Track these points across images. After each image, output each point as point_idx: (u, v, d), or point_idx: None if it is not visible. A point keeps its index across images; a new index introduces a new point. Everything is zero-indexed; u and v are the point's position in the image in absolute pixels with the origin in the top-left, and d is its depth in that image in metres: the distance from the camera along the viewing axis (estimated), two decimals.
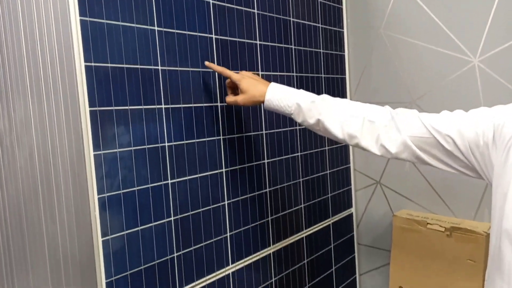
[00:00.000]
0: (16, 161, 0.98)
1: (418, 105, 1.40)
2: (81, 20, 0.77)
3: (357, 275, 1.63)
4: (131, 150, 0.86)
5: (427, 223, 1.34)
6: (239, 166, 1.11)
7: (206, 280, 1.01)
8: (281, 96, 0.93)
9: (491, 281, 0.72)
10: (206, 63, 0.99)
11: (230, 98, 0.99)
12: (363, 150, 0.89)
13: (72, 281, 0.86)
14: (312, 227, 1.38)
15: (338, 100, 0.93)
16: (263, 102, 0.94)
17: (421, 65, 1.39)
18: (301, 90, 0.95)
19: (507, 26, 1.21)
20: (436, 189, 1.41)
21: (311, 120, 0.91)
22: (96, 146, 0.79)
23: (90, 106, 0.78)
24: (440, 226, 1.32)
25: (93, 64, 0.79)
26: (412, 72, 1.41)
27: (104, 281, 0.81)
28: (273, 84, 0.95)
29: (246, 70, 1.11)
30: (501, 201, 0.68)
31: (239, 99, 0.96)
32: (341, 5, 1.51)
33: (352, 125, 0.88)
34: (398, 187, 1.51)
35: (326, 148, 1.45)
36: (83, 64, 0.77)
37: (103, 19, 0.80)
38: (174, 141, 0.94)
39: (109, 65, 0.81)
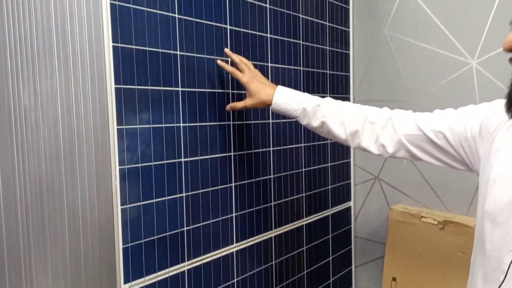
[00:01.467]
0: (40, 135, 1.05)
1: (418, 104, 1.47)
2: (111, 4, 0.83)
3: (353, 266, 1.69)
4: (150, 127, 0.92)
5: (422, 217, 1.41)
6: (247, 152, 1.17)
7: (212, 256, 1.07)
8: (287, 100, 0.99)
9: (474, 260, 0.78)
10: (219, 61, 1.05)
11: (238, 104, 1.05)
12: (363, 150, 0.97)
13: (90, 245, 0.92)
14: (312, 216, 1.44)
15: (340, 103, 1.00)
16: (270, 104, 1.01)
17: (421, 66, 1.46)
18: (306, 94, 1.01)
19: (505, 29, 1.28)
20: (431, 185, 1.48)
21: (316, 123, 0.98)
22: (119, 121, 0.86)
23: (115, 84, 0.85)
24: (434, 219, 1.38)
25: (119, 45, 0.85)
26: (412, 72, 1.49)
27: (121, 247, 0.87)
28: (279, 87, 1.01)
29: (257, 61, 1.18)
30: (484, 186, 0.75)
31: (248, 102, 1.02)
32: (348, 5, 1.58)
33: (354, 126, 0.95)
34: (396, 183, 1.57)
35: (328, 141, 1.51)
36: (111, 44, 0.84)
37: (130, 3, 0.87)
38: (188, 123, 1.00)
39: (133, 47, 0.88)
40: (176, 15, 0.96)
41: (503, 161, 0.72)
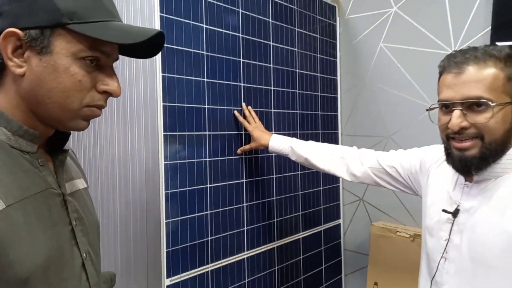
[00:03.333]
0: (98, 168, 1.38)
1: (392, 138, 1.81)
2: (162, 76, 1.18)
3: (342, 275, 1.99)
4: (186, 162, 1.25)
5: (397, 231, 1.72)
6: (255, 178, 1.50)
7: (228, 260, 1.39)
8: (279, 144, 1.38)
9: (421, 261, 1.09)
10: (235, 113, 1.41)
11: (246, 147, 1.42)
12: (338, 177, 1.32)
13: (139, 251, 1.24)
14: (307, 231, 1.76)
15: (319, 144, 1.38)
16: (267, 147, 1.39)
17: (395, 108, 1.80)
18: (293, 138, 1.39)
19: None
20: (405, 206, 1.80)
21: (301, 159, 1.36)
22: (165, 158, 1.19)
23: (163, 131, 1.19)
24: (406, 233, 1.70)
25: (167, 104, 1.19)
26: (388, 113, 1.83)
27: (164, 250, 1.19)
28: (273, 135, 1.40)
29: (263, 108, 1.52)
30: (424, 208, 1.08)
31: (252, 146, 1.41)
32: (336, 59, 1.94)
33: (330, 160, 1.32)
34: (377, 203, 1.90)
35: (327, 173, 1.84)
36: (161, 103, 1.18)
37: (175, 74, 1.22)
38: (213, 157, 1.34)
39: (176, 104, 1.22)
40: (205, 79, 1.31)
41: (434, 191, 1.05)
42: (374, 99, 1.87)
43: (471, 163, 0.88)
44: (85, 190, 0.77)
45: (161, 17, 1.16)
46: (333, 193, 1.93)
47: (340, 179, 1.97)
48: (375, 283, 1.78)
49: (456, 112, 0.87)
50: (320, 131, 1.84)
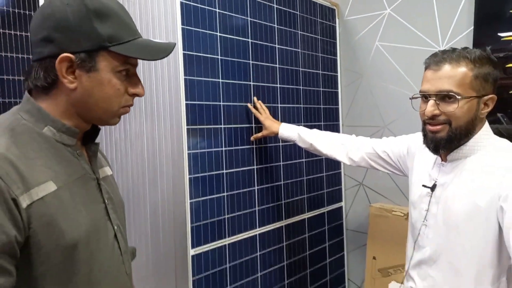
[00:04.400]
0: (128, 157, 1.60)
1: (388, 128, 2.01)
2: (184, 78, 1.39)
3: (345, 252, 2.20)
4: (205, 151, 1.47)
5: (392, 211, 1.93)
6: (265, 165, 1.71)
7: (243, 236, 1.61)
8: (288, 131, 1.59)
9: (408, 229, 1.30)
10: (249, 105, 1.62)
11: (258, 135, 1.63)
12: (337, 161, 1.52)
13: (167, 227, 1.46)
14: (311, 212, 1.97)
15: (323, 132, 1.59)
16: (277, 134, 1.59)
17: (390, 101, 1.99)
18: (300, 127, 1.60)
19: None
20: (400, 188, 2.00)
21: (307, 145, 1.57)
22: (188, 148, 1.41)
23: (186, 125, 1.40)
24: (401, 212, 1.90)
25: (189, 102, 1.41)
26: (384, 105, 2.02)
27: (189, 226, 1.41)
28: (283, 124, 1.61)
29: (271, 103, 1.72)
30: (410, 186, 1.28)
31: (264, 133, 1.62)
32: (336, 57, 2.14)
33: (332, 146, 1.53)
34: (375, 187, 2.10)
35: (323, 157, 2.04)
36: (184, 101, 1.39)
37: (194, 76, 1.43)
38: (228, 147, 1.55)
39: (196, 102, 1.44)
40: (220, 80, 1.52)
41: (417, 171, 1.25)
42: (371, 93, 2.07)
43: (440, 143, 1.08)
44: (112, 176, 0.94)
45: (182, 29, 1.37)
46: (335, 178, 2.14)
47: (342, 166, 2.17)
48: (374, 257, 1.99)
49: (431, 102, 1.07)
50: (322, 123, 2.04)
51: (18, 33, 1.58)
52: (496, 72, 1.08)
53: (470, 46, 1.71)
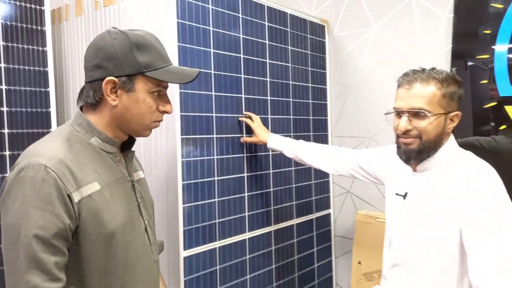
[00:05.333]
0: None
1: (374, 139, 2.11)
2: (179, 92, 1.50)
3: (333, 257, 2.30)
4: (197, 159, 1.57)
5: (376, 218, 2.02)
6: (255, 173, 1.81)
7: (233, 239, 1.70)
8: (276, 141, 1.70)
9: (384, 243, 1.39)
10: (241, 118, 1.73)
11: (248, 139, 1.73)
12: (321, 170, 1.63)
13: (160, 229, 1.56)
14: (300, 218, 2.06)
15: (308, 143, 1.70)
16: (266, 144, 1.70)
17: (376, 113, 2.10)
18: (288, 138, 1.71)
19: None
20: (385, 196, 2.09)
21: (293, 155, 1.68)
22: (182, 156, 1.51)
23: (181, 135, 1.51)
24: (384, 219, 1.99)
25: (184, 113, 1.52)
26: (370, 117, 2.13)
27: (182, 228, 1.51)
28: (271, 134, 1.72)
29: (261, 114, 1.83)
30: (386, 194, 1.38)
31: (254, 140, 1.72)
32: (326, 70, 2.25)
33: (316, 157, 1.63)
34: (362, 195, 2.20)
35: (313, 167, 2.14)
36: (179, 113, 1.50)
37: (189, 90, 1.54)
38: (219, 155, 1.65)
39: (190, 113, 1.54)
40: (213, 93, 1.63)
41: (392, 181, 1.35)
42: (358, 105, 2.18)
43: (411, 154, 1.19)
44: (144, 179, 1.13)
45: (178, 46, 1.48)
46: (324, 186, 2.24)
47: (330, 174, 2.27)
48: (359, 262, 2.08)
49: (404, 118, 1.18)
50: (311, 133, 2.14)
51: (25, 46, 1.70)
52: (461, 91, 1.19)
53: (449, 62, 1.82)
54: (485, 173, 1.11)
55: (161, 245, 1.26)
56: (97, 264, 0.89)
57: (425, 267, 1.17)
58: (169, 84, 0.98)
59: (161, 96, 0.97)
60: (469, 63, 1.76)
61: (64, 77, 1.99)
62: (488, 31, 1.70)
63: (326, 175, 2.24)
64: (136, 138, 1.05)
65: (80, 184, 0.86)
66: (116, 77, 0.90)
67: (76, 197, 0.85)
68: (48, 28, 1.71)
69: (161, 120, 0.99)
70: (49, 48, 1.71)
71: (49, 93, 1.69)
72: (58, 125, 1.84)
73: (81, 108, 0.97)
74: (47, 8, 1.70)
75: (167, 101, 0.98)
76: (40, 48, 1.69)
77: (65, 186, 0.83)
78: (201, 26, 1.58)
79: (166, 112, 0.98)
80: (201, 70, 1.56)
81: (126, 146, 1.03)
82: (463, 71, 1.78)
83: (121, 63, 0.90)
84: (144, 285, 1.00)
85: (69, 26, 1.94)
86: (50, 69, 1.70)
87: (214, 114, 1.63)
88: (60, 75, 2.00)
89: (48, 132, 1.70)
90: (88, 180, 0.88)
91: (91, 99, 0.93)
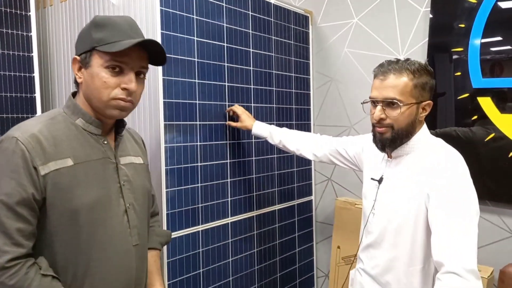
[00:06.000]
0: None
1: (355, 128, 2.18)
2: (163, 78, 1.53)
3: (314, 242, 2.37)
4: (181, 145, 1.61)
5: (355, 204, 2.10)
6: (238, 159, 1.86)
7: (216, 223, 1.76)
8: (260, 128, 1.75)
9: (361, 227, 1.46)
10: (228, 109, 1.77)
11: (233, 123, 1.77)
12: (303, 157, 1.68)
13: None
14: (282, 204, 2.13)
15: (291, 130, 1.75)
16: (251, 130, 1.74)
17: (357, 103, 2.15)
18: (272, 125, 1.76)
19: None
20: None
21: (277, 141, 1.72)
22: (165, 142, 1.55)
23: (164, 121, 1.54)
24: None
25: (167, 100, 1.55)
26: (351, 106, 2.19)
27: (165, 212, 1.55)
28: (256, 121, 1.76)
29: (245, 103, 1.87)
30: (363, 179, 1.44)
31: (239, 125, 1.76)
32: (309, 61, 2.30)
33: (298, 143, 1.69)
34: (342, 182, 2.27)
35: (295, 154, 2.20)
36: (162, 100, 1.53)
37: (172, 77, 1.57)
38: (202, 142, 1.70)
39: (173, 100, 1.58)
40: (196, 80, 1.66)
41: (369, 166, 1.42)
42: (340, 95, 2.23)
43: (385, 142, 1.25)
44: (141, 165, 1.14)
45: (162, 33, 1.51)
46: (306, 173, 2.30)
47: (312, 162, 2.34)
48: (338, 247, 2.16)
49: (378, 107, 1.24)
50: (294, 122, 2.20)
51: (10, 31, 1.70)
52: (433, 81, 1.25)
53: (425, 54, 1.88)
54: (454, 160, 1.18)
55: (167, 235, 1.29)
56: (64, 236, 0.92)
57: (396, 247, 1.24)
58: (151, 68, 1.01)
59: (124, 73, 0.96)
60: (445, 56, 1.83)
61: (49, 62, 2.00)
62: (463, 25, 1.77)
63: (308, 162, 2.30)
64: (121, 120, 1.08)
65: (49, 159, 0.90)
66: (79, 55, 0.97)
67: (43, 170, 0.89)
68: (32, 13, 1.72)
69: (123, 99, 0.96)
70: (33, 33, 1.72)
71: (33, 78, 1.71)
72: (43, 110, 1.86)
73: (74, 94, 1.03)
74: None
75: (130, 79, 0.96)
76: (25, 33, 1.70)
77: (32, 158, 0.88)
78: (185, 14, 1.60)
79: (127, 89, 0.95)
80: (184, 57, 1.60)
81: (118, 131, 1.08)
82: (441, 63, 1.85)
83: (81, 41, 0.97)
84: (115, 267, 0.99)
85: (54, 12, 1.94)
86: (35, 54, 1.71)
87: (197, 101, 1.67)
88: (45, 60, 2.01)
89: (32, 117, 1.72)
90: (61, 156, 0.92)
91: (74, 81, 1.01)
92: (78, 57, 0.97)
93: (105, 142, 1.02)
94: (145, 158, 1.19)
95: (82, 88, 0.99)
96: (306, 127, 2.28)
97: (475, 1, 1.73)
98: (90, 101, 0.98)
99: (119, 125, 1.08)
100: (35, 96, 1.72)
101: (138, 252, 1.06)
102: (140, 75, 1.01)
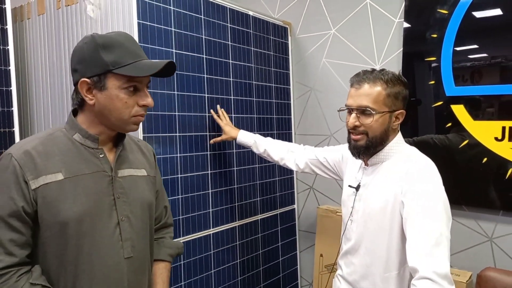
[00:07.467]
0: None
1: (334, 137, 2.21)
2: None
3: (297, 251, 2.38)
4: (160, 157, 1.61)
5: (337, 212, 2.12)
6: (219, 170, 1.87)
7: (197, 235, 1.75)
8: (245, 137, 1.76)
9: (341, 234, 1.48)
10: (212, 111, 1.79)
11: (218, 138, 1.79)
12: (286, 167, 1.70)
13: None
14: (264, 213, 2.13)
15: (275, 140, 1.77)
16: (235, 139, 1.75)
17: (336, 112, 2.18)
18: (257, 134, 1.77)
19: None
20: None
21: (261, 150, 1.74)
22: None
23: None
24: None
25: (147, 112, 1.55)
26: (331, 116, 2.23)
27: None
28: (241, 131, 1.78)
29: (226, 113, 1.89)
30: (343, 187, 1.47)
31: (223, 137, 1.78)
32: (289, 71, 2.33)
33: (282, 153, 1.70)
34: (324, 191, 2.29)
35: (279, 163, 2.21)
36: None
37: (150, 89, 1.57)
38: (182, 153, 1.70)
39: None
40: (176, 92, 1.67)
41: (348, 175, 1.44)
42: (319, 104, 2.27)
43: (360, 150, 1.28)
44: (144, 177, 1.13)
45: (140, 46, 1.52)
46: (288, 182, 2.32)
47: (294, 172, 2.36)
48: (321, 255, 2.17)
49: (353, 115, 1.27)
50: (275, 131, 2.22)
51: None
52: (406, 91, 1.28)
53: (400, 64, 1.93)
54: (426, 169, 1.21)
55: (177, 247, 1.27)
56: (53, 248, 0.96)
57: (372, 253, 1.26)
58: (148, 79, 1.03)
59: (139, 90, 1.01)
60: (419, 65, 1.88)
61: (26, 76, 1.98)
62: (435, 35, 1.82)
63: (290, 172, 2.32)
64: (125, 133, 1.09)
65: (40, 173, 0.94)
66: (89, 78, 0.97)
67: (33, 184, 0.94)
68: (9, 26, 1.71)
69: (143, 114, 1.04)
70: (11, 47, 1.71)
71: (11, 92, 1.69)
72: (20, 124, 1.84)
73: (74, 110, 1.05)
74: (8, 6, 1.70)
75: (146, 95, 1.03)
76: (2, 47, 1.69)
77: (24, 173, 0.93)
78: (163, 27, 1.62)
79: (146, 105, 1.03)
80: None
81: (117, 143, 1.08)
82: (416, 72, 1.90)
83: (89, 64, 0.97)
84: (102, 280, 1.00)
85: (31, 25, 1.93)
86: (12, 68, 1.70)
87: (176, 113, 1.68)
88: (22, 74, 1.99)
89: (10, 132, 1.70)
90: (52, 171, 0.95)
91: (76, 101, 1.02)
92: (88, 80, 0.97)
93: (102, 155, 1.03)
94: (151, 170, 1.18)
95: (93, 109, 1.00)
96: (287, 137, 2.31)
97: (447, 12, 1.79)
98: (107, 120, 1.01)
99: (119, 138, 1.09)
100: (12, 110, 1.70)
101: (131, 265, 1.05)
102: (148, 87, 1.07)
